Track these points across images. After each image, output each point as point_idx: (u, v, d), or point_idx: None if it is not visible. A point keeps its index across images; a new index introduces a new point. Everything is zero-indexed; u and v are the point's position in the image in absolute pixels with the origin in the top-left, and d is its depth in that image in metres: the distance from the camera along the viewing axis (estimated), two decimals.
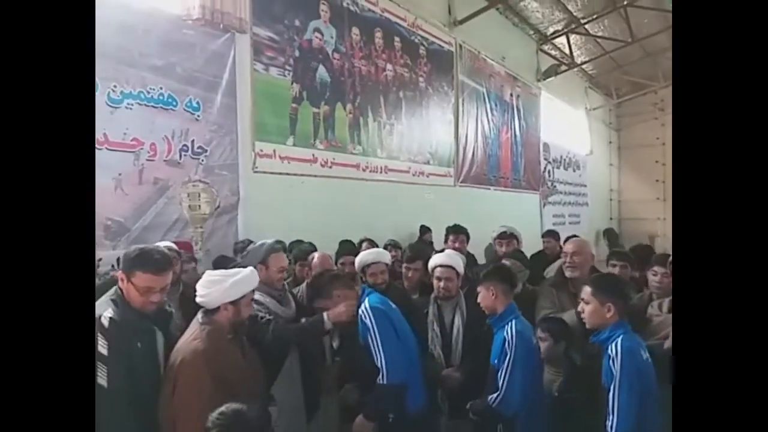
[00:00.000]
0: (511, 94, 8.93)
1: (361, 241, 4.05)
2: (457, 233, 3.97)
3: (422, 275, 2.82)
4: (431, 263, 2.61)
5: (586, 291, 2.00)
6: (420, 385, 2.22)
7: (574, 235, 3.11)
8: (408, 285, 2.83)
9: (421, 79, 6.57)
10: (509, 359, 2.11)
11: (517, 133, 9.08)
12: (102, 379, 1.59)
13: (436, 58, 6.85)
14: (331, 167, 5.21)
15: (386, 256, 2.67)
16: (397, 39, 6.14)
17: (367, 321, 2.11)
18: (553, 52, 10.26)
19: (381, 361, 2.06)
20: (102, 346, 1.60)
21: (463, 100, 7.46)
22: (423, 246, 4.20)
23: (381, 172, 5.90)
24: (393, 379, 2.06)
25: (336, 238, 4.42)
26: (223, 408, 1.33)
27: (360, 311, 2.14)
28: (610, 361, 1.84)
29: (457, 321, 2.46)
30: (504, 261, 2.77)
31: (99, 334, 1.61)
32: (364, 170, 5.64)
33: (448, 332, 2.45)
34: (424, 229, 5.98)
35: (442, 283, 2.51)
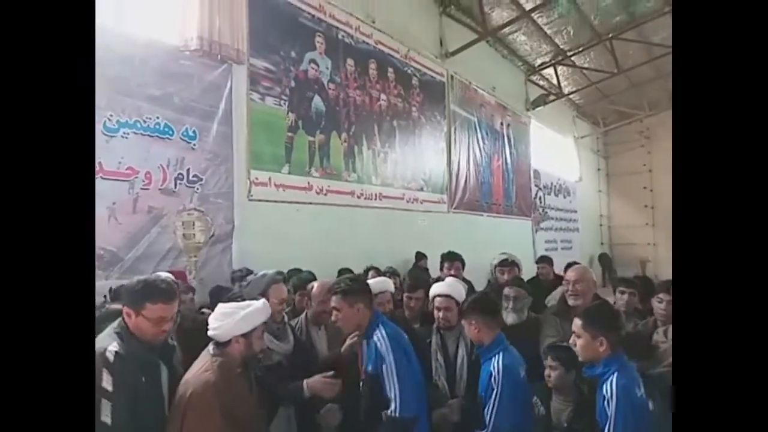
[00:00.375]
0: (502, 123, 9.09)
1: (367, 270, 4.01)
2: (452, 260, 3.95)
3: (423, 304, 2.77)
4: (431, 292, 2.57)
5: (577, 324, 1.92)
6: (425, 416, 2.15)
7: (575, 262, 3.10)
8: (409, 314, 2.78)
9: (414, 108, 6.68)
10: (496, 394, 2.05)
11: (508, 160, 9.21)
12: (106, 416, 1.51)
13: (428, 88, 6.98)
14: (326, 194, 5.21)
15: (391, 285, 2.63)
16: (390, 70, 6.26)
17: (383, 350, 2.01)
18: (541, 83, 10.54)
19: (395, 392, 1.95)
20: (106, 382, 1.53)
21: (455, 128, 7.58)
22: (423, 274, 4.16)
23: (376, 199, 5.91)
24: (406, 411, 1.96)
25: (332, 266, 4.38)
26: None
27: (374, 338, 2.05)
28: (605, 402, 1.77)
29: (461, 351, 2.39)
30: (507, 289, 2.74)
31: (104, 369, 1.54)
32: (359, 197, 5.65)
33: (452, 362, 2.38)
34: (420, 256, 5.96)
35: (441, 314, 2.47)
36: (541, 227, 10.39)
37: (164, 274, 2.38)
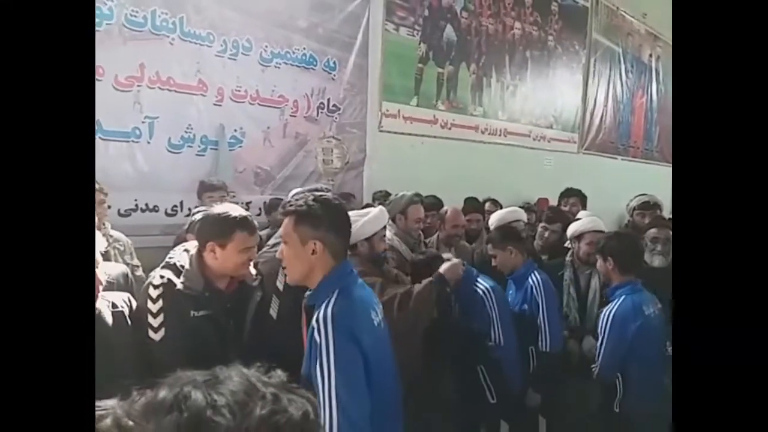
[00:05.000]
0: (651, 55, 8.03)
1: (485, 201, 4.05)
2: (570, 196, 3.74)
3: (559, 238, 2.77)
4: (579, 228, 2.57)
5: (489, 247, 2.44)
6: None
7: None
8: (542, 245, 2.80)
9: (550, 37, 6.18)
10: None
11: (654, 97, 8.20)
12: (273, 310, 1.78)
13: (568, 14, 6.37)
14: (450, 129, 5.21)
15: (525, 216, 2.67)
16: None
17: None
18: None
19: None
20: (279, 281, 1.76)
21: (594, 60, 6.89)
22: (562, 209, 4.08)
23: (500, 135, 5.75)
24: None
25: (452, 199, 4.47)
26: None
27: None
28: (534, 290, 2.26)
29: (594, 284, 2.41)
30: (654, 230, 2.55)
31: (280, 269, 1.68)
32: (483, 132, 5.55)
33: (584, 295, 2.41)
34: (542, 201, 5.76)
35: (589, 248, 2.47)
36: None
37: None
